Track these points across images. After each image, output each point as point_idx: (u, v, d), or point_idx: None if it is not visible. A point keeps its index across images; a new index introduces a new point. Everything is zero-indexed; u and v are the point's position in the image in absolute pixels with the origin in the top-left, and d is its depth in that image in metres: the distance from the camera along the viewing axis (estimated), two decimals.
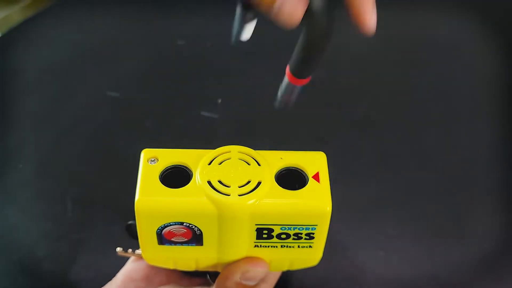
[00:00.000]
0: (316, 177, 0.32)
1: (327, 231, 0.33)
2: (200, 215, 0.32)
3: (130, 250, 0.41)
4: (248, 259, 0.35)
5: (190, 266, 0.36)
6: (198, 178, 0.32)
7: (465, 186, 0.54)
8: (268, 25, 0.33)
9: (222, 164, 0.33)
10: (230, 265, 0.35)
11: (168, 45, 0.72)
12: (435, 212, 0.52)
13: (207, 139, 0.60)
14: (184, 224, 0.32)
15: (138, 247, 0.37)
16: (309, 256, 0.35)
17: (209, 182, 0.31)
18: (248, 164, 0.32)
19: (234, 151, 0.33)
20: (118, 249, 0.41)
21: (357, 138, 0.58)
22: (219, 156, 0.33)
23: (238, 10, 0.33)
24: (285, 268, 0.37)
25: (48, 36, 0.73)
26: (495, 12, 0.80)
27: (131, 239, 0.38)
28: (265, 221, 0.32)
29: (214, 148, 0.34)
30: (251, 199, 0.31)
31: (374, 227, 0.51)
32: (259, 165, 0.32)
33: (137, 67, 0.69)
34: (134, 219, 0.33)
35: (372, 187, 0.53)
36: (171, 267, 0.36)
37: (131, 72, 0.68)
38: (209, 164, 0.32)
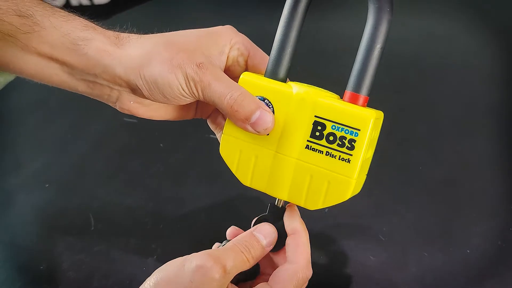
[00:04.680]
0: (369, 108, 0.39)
1: (365, 147, 0.38)
2: (278, 94, 0.39)
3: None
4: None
5: (249, 167, 0.41)
6: (288, 83, 0.40)
7: (450, 197, 0.56)
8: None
9: (309, 85, 0.40)
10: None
11: None
12: (422, 220, 0.54)
13: (216, 159, 0.63)
14: (266, 100, 0.39)
15: None
16: (346, 174, 0.38)
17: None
18: (327, 93, 0.40)
19: (317, 88, 0.41)
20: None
21: None
22: (308, 85, 0.41)
23: None
24: (322, 195, 0.40)
25: None
26: (496, 14, 0.83)
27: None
28: (323, 112, 0.38)
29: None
30: (317, 93, 0.39)
31: (367, 233, 0.53)
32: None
33: None
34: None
35: (363, 197, 0.53)
36: (235, 165, 0.42)
37: None
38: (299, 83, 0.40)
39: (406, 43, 0.80)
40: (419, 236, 0.53)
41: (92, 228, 0.56)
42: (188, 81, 0.39)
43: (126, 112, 0.43)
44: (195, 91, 0.39)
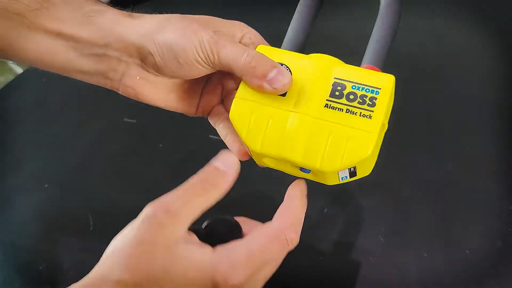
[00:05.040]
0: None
1: (387, 103, 0.37)
2: (296, 57, 0.39)
3: None
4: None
5: (260, 130, 0.38)
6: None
7: (450, 197, 0.56)
8: None
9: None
10: None
11: None
12: (421, 221, 0.54)
13: None
14: (284, 65, 0.38)
15: None
16: (368, 130, 0.36)
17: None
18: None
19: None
20: None
21: None
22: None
23: None
24: (338, 159, 0.37)
25: None
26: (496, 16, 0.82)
27: None
28: (343, 75, 0.38)
29: None
30: (338, 61, 0.39)
31: (366, 234, 0.53)
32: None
33: None
34: None
35: (362, 197, 0.55)
36: (245, 129, 0.39)
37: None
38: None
39: (405, 43, 0.80)
40: (419, 237, 0.53)
41: (91, 228, 0.57)
42: (204, 45, 0.38)
43: (129, 92, 0.42)
44: (210, 55, 0.38)
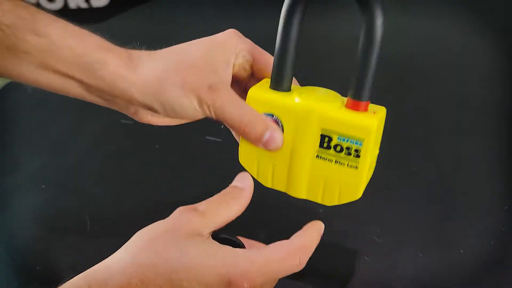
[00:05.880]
0: (374, 113, 0.41)
1: (370, 153, 0.41)
2: (285, 109, 0.42)
3: None
4: None
5: (268, 173, 0.45)
6: (293, 93, 0.43)
7: (445, 197, 0.57)
8: None
9: (313, 90, 0.43)
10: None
11: None
12: (416, 221, 0.55)
13: (212, 160, 0.64)
14: (274, 117, 0.42)
15: None
16: (354, 180, 0.42)
17: (299, 94, 0.42)
18: (329, 95, 0.43)
19: (322, 89, 0.44)
20: None
21: None
22: (311, 88, 0.43)
23: None
24: (336, 197, 0.44)
25: None
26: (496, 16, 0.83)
27: None
28: (328, 125, 0.41)
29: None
30: (321, 106, 0.41)
31: (361, 234, 0.54)
32: (337, 97, 0.43)
33: None
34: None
35: (357, 199, 0.56)
36: (255, 171, 0.45)
37: None
38: (303, 88, 0.43)
39: (402, 44, 0.81)
40: (414, 237, 0.53)
41: (88, 228, 0.57)
42: (201, 103, 0.42)
43: (145, 120, 0.46)
44: (207, 112, 0.42)
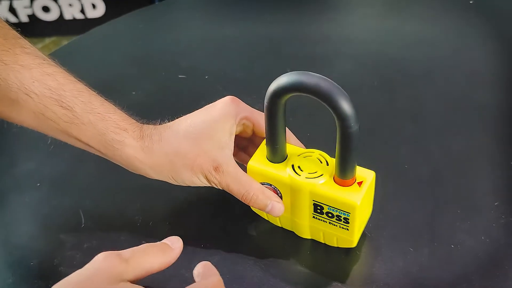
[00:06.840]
0: (360, 183, 0.46)
1: (357, 220, 0.47)
2: (280, 183, 0.49)
3: None
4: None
5: (276, 220, 0.54)
6: (288, 162, 0.49)
7: (436, 193, 0.57)
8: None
9: (306, 158, 0.49)
10: None
11: (172, 78, 0.78)
12: (407, 216, 0.55)
13: None
14: (272, 186, 0.49)
15: None
16: (347, 237, 0.49)
17: (292, 166, 0.48)
18: (321, 162, 0.48)
19: (316, 153, 0.49)
20: None
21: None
22: (306, 153, 0.49)
23: None
24: (334, 243, 0.51)
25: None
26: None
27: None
28: (318, 199, 0.47)
29: None
30: (311, 183, 0.47)
31: None
32: (327, 165, 0.48)
33: (143, 98, 0.75)
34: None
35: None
36: (265, 217, 0.55)
37: (139, 102, 0.73)
38: (298, 156, 0.49)
39: (394, 45, 0.82)
40: (405, 232, 0.54)
41: (83, 225, 0.57)
42: (209, 181, 0.50)
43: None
44: (216, 186, 0.50)
